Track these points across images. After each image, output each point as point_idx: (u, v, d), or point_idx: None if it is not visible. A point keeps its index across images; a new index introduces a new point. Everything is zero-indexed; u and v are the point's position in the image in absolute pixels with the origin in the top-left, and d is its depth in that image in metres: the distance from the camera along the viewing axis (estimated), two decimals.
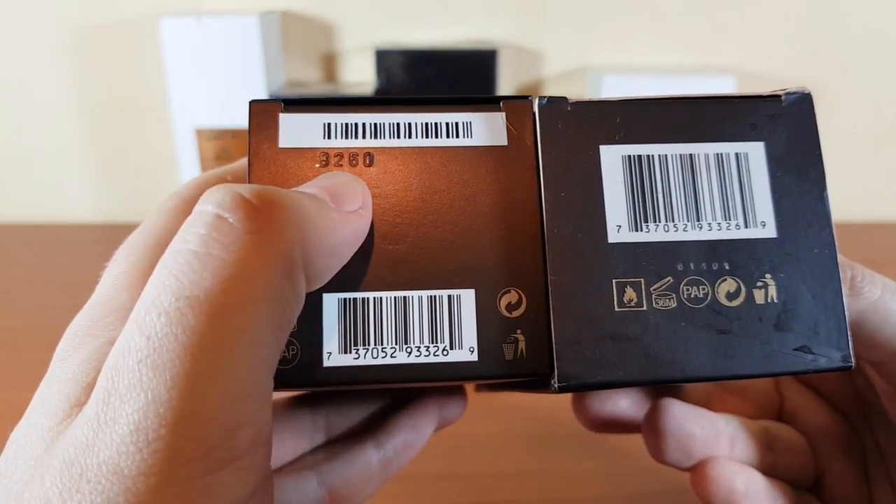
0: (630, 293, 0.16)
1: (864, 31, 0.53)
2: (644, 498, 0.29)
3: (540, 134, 0.17)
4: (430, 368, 0.16)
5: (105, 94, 0.54)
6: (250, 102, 0.17)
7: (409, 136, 0.17)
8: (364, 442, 0.21)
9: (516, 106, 0.17)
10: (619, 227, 0.16)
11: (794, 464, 0.22)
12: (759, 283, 0.16)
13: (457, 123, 0.17)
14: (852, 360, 0.16)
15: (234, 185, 0.13)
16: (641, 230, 0.17)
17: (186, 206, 0.18)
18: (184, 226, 0.13)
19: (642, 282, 0.16)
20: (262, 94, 0.48)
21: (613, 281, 0.16)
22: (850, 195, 0.58)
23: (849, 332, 0.16)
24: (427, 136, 0.17)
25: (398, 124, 0.17)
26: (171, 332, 0.12)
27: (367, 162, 0.17)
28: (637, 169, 0.17)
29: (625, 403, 0.22)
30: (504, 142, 0.17)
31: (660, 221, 0.17)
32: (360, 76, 0.53)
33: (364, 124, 0.17)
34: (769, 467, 0.22)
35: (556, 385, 0.16)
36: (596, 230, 0.16)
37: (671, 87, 0.49)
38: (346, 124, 0.17)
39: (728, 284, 0.16)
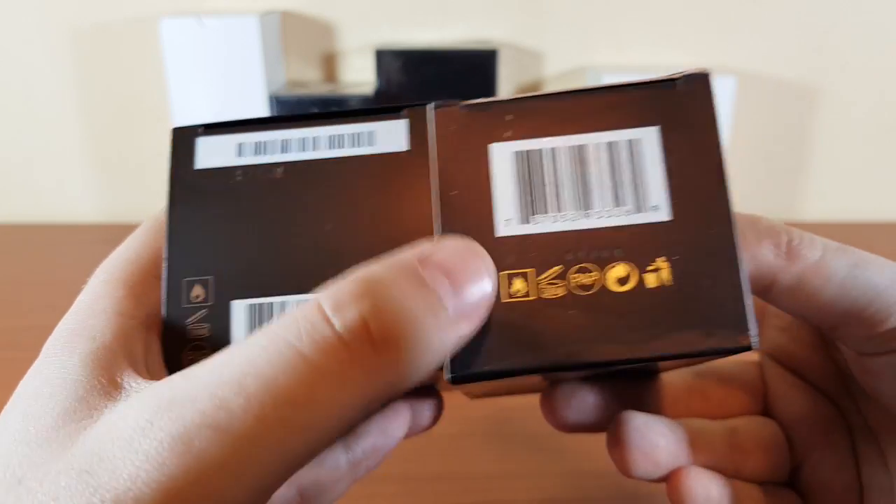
0: (518, 284, 0.16)
1: (864, 31, 0.53)
2: (644, 498, 0.29)
3: (435, 137, 0.17)
4: None
5: (105, 94, 0.54)
6: (172, 129, 0.18)
7: (315, 149, 0.18)
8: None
9: (418, 112, 0.18)
10: (507, 220, 0.17)
11: (765, 462, 0.22)
12: (651, 268, 0.16)
13: (359, 133, 0.18)
14: (753, 340, 0.16)
15: (364, 302, 0.13)
16: (530, 222, 0.17)
17: (162, 227, 0.18)
18: (298, 317, 0.13)
19: (530, 272, 0.16)
20: (262, 95, 0.48)
21: (502, 273, 0.16)
22: (850, 195, 0.58)
23: (749, 313, 0.16)
24: (332, 147, 0.18)
25: (304, 139, 0.18)
26: (242, 416, 0.12)
27: (275, 174, 0.18)
28: (527, 164, 0.17)
29: (592, 399, 0.22)
30: (406, 147, 0.18)
31: (549, 212, 0.17)
32: (360, 76, 0.53)
33: (273, 141, 0.18)
34: (735, 469, 0.21)
35: (448, 377, 0.16)
36: (484, 226, 0.17)
37: None
38: (257, 143, 0.18)
39: (618, 270, 0.16)
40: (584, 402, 0.22)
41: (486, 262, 0.16)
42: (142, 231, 0.18)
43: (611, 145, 0.17)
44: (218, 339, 0.17)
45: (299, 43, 0.53)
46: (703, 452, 0.21)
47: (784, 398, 0.22)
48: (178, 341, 0.17)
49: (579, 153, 0.17)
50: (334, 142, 0.18)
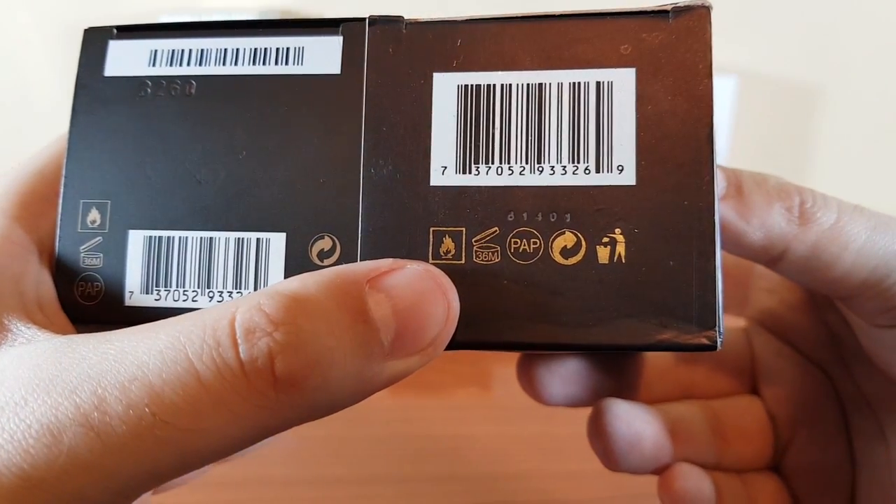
0: (448, 243, 0.14)
1: (865, 31, 0.53)
2: (644, 499, 0.29)
3: (367, 59, 0.15)
4: None
5: None
6: (84, 30, 0.16)
7: (236, 63, 0.16)
8: None
9: (355, 29, 0.15)
10: (444, 168, 0.14)
11: (748, 450, 0.21)
12: (605, 239, 0.14)
13: (287, 49, 0.15)
14: (718, 339, 0.13)
15: (280, 332, 0.12)
16: (470, 172, 0.14)
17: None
18: (207, 327, 0.12)
19: (463, 231, 0.14)
20: None
21: (431, 229, 0.14)
22: (851, 195, 0.57)
23: (719, 306, 0.13)
24: (254, 63, 0.15)
25: (225, 50, 0.16)
26: (118, 424, 0.11)
27: (188, 90, 0.16)
28: (473, 101, 0.15)
29: (571, 368, 0.20)
30: (337, 70, 0.15)
31: (493, 163, 0.14)
32: None
33: (190, 50, 0.16)
34: (717, 457, 0.20)
35: None
36: (417, 171, 0.14)
37: None
38: (173, 51, 0.16)
39: (565, 239, 0.14)
40: (562, 371, 0.20)
41: (447, 299, 0.13)
42: (51, 144, 0.17)
43: (575, 87, 0.14)
44: (112, 272, 0.15)
45: None
46: (685, 442, 0.20)
47: (772, 370, 0.21)
48: (70, 270, 0.15)
49: (537, 94, 0.14)
50: (258, 56, 0.15)
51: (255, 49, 0.16)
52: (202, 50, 0.16)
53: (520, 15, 0.15)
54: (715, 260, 0.14)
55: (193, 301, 0.15)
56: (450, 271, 0.14)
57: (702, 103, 0.14)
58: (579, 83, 0.14)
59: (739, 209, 0.15)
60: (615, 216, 0.14)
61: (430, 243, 0.14)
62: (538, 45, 0.15)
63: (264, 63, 0.15)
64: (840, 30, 0.53)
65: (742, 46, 0.53)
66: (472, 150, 0.15)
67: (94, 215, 0.16)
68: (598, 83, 0.14)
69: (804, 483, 0.20)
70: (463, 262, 0.14)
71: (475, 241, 0.14)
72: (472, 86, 0.15)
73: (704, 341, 0.13)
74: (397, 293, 0.13)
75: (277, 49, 0.16)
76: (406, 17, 0.15)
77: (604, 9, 0.14)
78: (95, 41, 0.16)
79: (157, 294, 0.15)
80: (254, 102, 0.15)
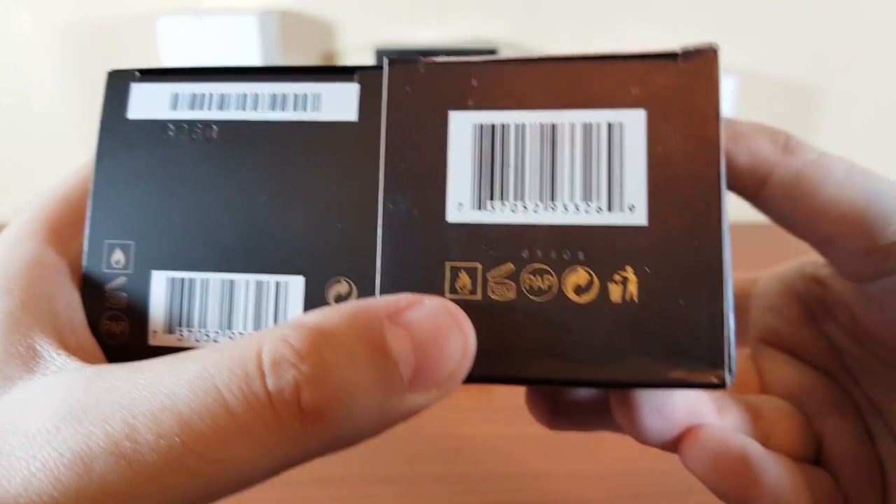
0: (464, 279, 0.14)
1: (865, 31, 0.53)
2: (644, 499, 0.29)
3: (386, 99, 0.15)
4: None
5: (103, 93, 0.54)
6: (108, 72, 0.17)
7: (255, 108, 0.16)
8: None
9: (372, 78, 0.16)
10: (460, 204, 0.15)
11: (791, 433, 0.20)
12: (617, 278, 0.14)
13: (305, 95, 0.16)
14: (727, 377, 0.14)
15: (305, 364, 0.12)
16: (486, 209, 0.15)
17: None
18: (235, 358, 0.12)
19: (479, 267, 0.14)
20: None
21: (447, 264, 0.15)
22: None
23: (728, 345, 0.14)
24: (273, 109, 0.16)
25: (245, 95, 0.16)
26: (149, 453, 0.11)
27: (209, 134, 0.16)
28: (489, 139, 0.15)
29: (581, 396, 0.20)
30: (354, 117, 0.16)
31: (507, 200, 0.15)
32: None
33: (211, 95, 0.16)
34: (764, 437, 0.19)
35: None
36: (434, 207, 0.15)
37: None
38: (194, 94, 0.16)
39: (578, 276, 0.14)
40: (572, 398, 0.20)
41: (464, 334, 0.14)
42: (78, 169, 0.17)
43: (587, 127, 0.15)
44: (136, 312, 0.16)
45: (298, 42, 0.53)
46: (729, 418, 0.19)
47: (782, 378, 0.21)
48: (96, 307, 0.16)
49: (550, 133, 0.15)
50: (277, 102, 0.16)
51: (274, 94, 0.16)
52: (223, 95, 0.16)
53: (534, 57, 0.15)
54: (724, 300, 0.14)
55: (215, 342, 0.15)
56: (466, 306, 0.14)
57: (711, 145, 0.14)
58: (591, 123, 0.15)
59: (730, 135, 0.16)
60: (627, 255, 0.14)
61: (447, 278, 0.15)
62: (551, 85, 0.15)
63: (283, 109, 0.16)
64: (840, 30, 0.53)
65: (742, 46, 0.53)
66: (488, 187, 0.15)
67: (118, 255, 0.16)
68: (609, 124, 0.15)
69: (847, 476, 0.19)
70: (479, 297, 0.14)
71: (490, 277, 0.15)
72: (486, 125, 0.15)
73: (713, 380, 0.14)
74: (416, 328, 0.13)
75: (296, 95, 0.16)
76: (423, 58, 0.15)
77: (615, 52, 0.15)
78: (118, 84, 0.17)
79: (180, 334, 0.15)
80: (274, 147, 0.16)
